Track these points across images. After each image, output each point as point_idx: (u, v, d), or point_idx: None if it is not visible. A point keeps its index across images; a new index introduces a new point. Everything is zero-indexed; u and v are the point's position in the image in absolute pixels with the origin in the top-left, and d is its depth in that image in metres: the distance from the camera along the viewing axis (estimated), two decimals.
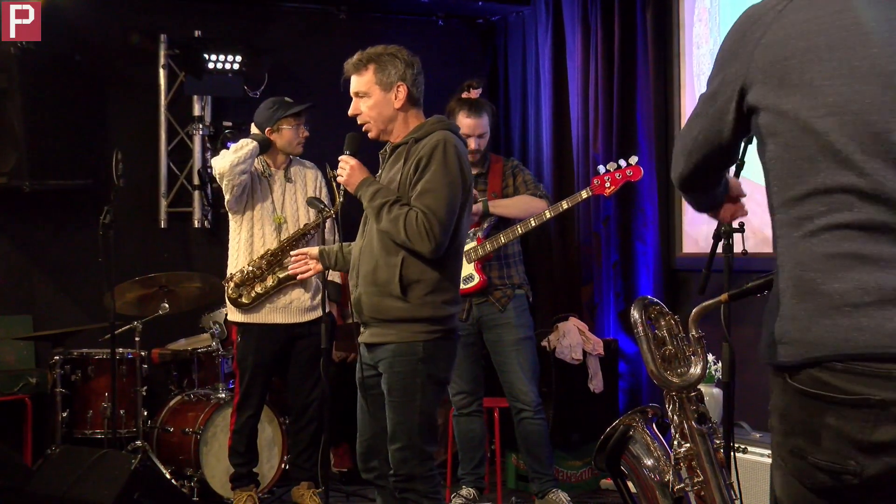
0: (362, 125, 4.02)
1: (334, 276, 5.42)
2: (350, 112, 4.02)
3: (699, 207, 2.50)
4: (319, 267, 4.35)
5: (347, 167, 4.01)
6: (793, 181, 2.04)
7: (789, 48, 2.03)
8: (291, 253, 4.61)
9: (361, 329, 4.05)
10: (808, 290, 2.01)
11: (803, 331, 2.00)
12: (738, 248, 4.02)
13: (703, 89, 2.23)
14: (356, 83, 3.97)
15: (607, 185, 5.31)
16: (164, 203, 6.91)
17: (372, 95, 3.94)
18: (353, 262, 4.01)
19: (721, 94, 2.14)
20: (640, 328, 2.72)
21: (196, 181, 6.87)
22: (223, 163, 5.28)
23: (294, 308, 5.43)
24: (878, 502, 2.04)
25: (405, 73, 3.94)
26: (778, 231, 2.11)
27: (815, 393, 1.99)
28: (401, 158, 3.94)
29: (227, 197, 5.37)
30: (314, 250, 4.34)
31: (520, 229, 5.31)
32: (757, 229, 5.13)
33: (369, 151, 4.19)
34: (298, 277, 4.55)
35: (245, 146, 5.29)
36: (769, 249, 2.27)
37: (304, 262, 4.38)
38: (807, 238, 2.02)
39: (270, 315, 5.42)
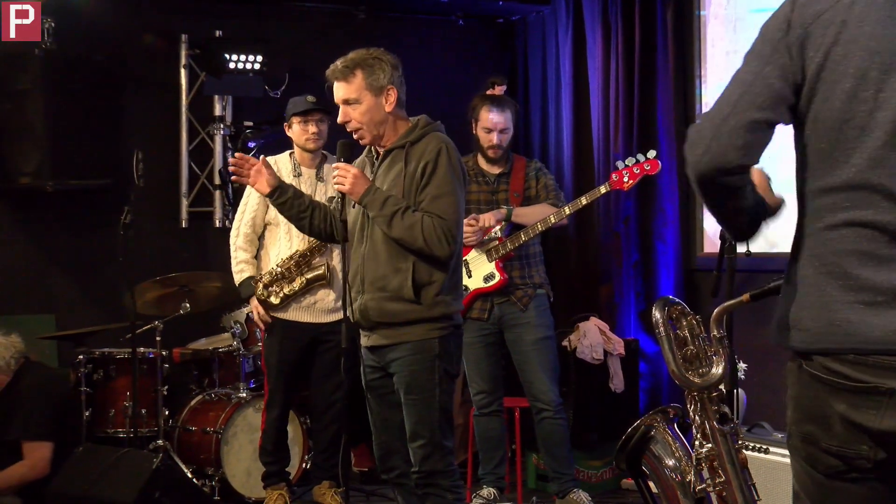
0: (353, 132, 3.96)
1: None
2: (340, 120, 3.95)
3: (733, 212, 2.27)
4: (261, 178, 4.09)
5: (350, 175, 3.88)
6: (824, 171, 2.07)
7: (841, 41, 2.05)
8: (232, 157, 4.39)
9: (364, 334, 4.05)
10: (824, 282, 2.06)
11: (817, 320, 2.07)
12: (741, 249, 3.99)
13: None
14: (345, 90, 3.90)
15: (626, 179, 5.30)
16: (184, 203, 6.93)
17: (363, 101, 3.88)
18: (355, 269, 3.97)
19: (786, 66, 2.10)
20: (662, 328, 2.71)
21: (217, 181, 6.89)
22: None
23: (318, 308, 5.43)
24: (889, 485, 2.09)
25: (393, 76, 3.89)
26: (802, 219, 2.15)
27: (826, 379, 2.05)
28: (398, 162, 3.90)
29: None
30: (260, 162, 4.12)
31: (539, 226, 5.31)
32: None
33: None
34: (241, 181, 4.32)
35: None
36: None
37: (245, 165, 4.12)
38: (828, 230, 2.07)
39: (295, 314, 5.42)
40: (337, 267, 5.37)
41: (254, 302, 5.45)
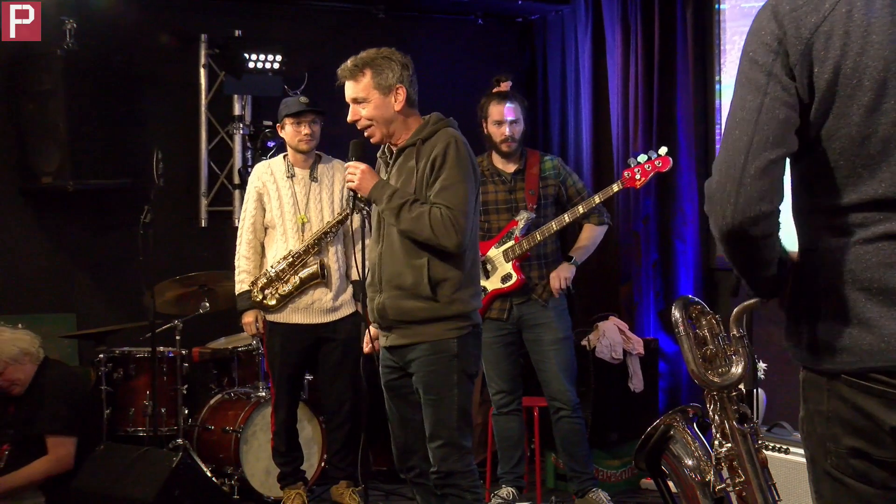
0: (363, 130, 4.01)
1: None
2: (349, 118, 4.01)
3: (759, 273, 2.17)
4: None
5: (358, 172, 3.99)
6: (845, 188, 2.01)
7: (850, 54, 1.97)
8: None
9: (382, 334, 4.05)
10: (863, 298, 1.99)
11: (863, 338, 2.00)
12: None
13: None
14: (354, 89, 3.96)
15: (637, 177, 5.30)
16: (204, 202, 6.95)
17: (371, 100, 3.93)
18: (372, 268, 4.00)
19: (788, 89, 2.02)
20: (681, 327, 2.69)
21: (236, 180, 6.91)
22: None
23: (315, 308, 5.43)
24: None
25: (402, 75, 3.93)
26: (817, 236, 2.08)
27: (877, 389, 1.98)
28: (410, 159, 3.93)
29: None
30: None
31: (554, 226, 5.32)
32: None
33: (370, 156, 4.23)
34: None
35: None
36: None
37: None
38: (860, 245, 2.00)
39: (292, 315, 5.42)
40: (332, 266, 5.38)
41: (246, 318, 5.47)
